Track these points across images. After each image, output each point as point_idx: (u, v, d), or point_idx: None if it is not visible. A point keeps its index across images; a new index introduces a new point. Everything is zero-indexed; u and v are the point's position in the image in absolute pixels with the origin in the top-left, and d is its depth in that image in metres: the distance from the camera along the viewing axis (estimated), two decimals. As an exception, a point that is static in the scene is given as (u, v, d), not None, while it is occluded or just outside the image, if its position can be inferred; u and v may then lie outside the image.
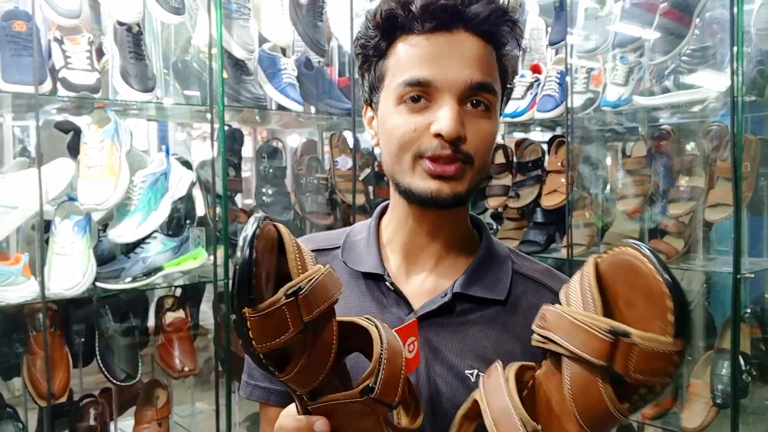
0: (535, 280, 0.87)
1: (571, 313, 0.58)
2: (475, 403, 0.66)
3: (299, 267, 0.62)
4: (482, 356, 0.80)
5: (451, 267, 0.87)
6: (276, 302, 0.58)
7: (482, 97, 0.79)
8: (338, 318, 0.67)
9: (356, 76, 2.22)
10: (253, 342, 0.59)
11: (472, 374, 0.80)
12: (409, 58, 0.79)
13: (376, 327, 0.66)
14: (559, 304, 0.63)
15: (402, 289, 0.85)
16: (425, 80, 0.77)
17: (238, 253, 0.58)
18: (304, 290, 0.59)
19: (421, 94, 0.78)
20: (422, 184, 0.79)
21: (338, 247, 0.92)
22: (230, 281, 0.59)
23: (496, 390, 0.63)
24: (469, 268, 0.85)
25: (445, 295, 0.83)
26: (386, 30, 0.81)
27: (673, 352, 0.53)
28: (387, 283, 0.85)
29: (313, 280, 0.61)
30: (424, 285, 0.86)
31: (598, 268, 0.60)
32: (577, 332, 0.56)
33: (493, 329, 0.83)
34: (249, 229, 0.60)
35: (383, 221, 0.92)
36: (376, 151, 2.46)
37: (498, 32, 0.80)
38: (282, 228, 0.65)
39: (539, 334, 0.62)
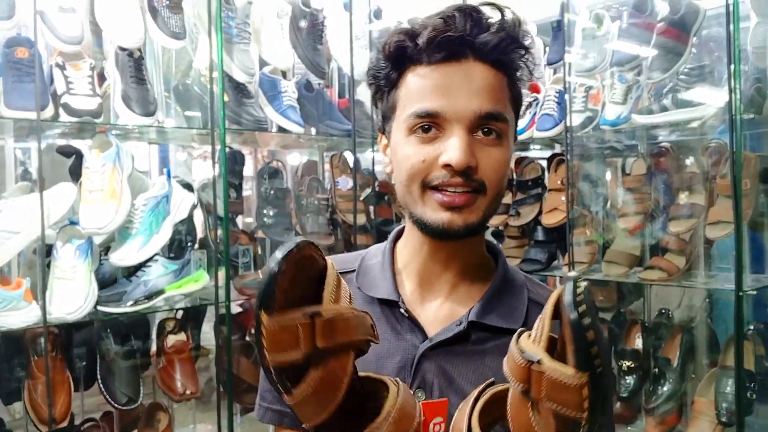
0: None
1: (518, 340, 0.61)
2: None
3: (332, 299, 0.63)
4: None
5: (467, 294, 0.86)
6: (292, 315, 0.58)
7: (493, 125, 0.79)
8: (370, 374, 0.68)
9: (356, 97, 2.26)
10: (265, 352, 0.59)
11: None
12: (419, 89, 0.80)
13: (398, 387, 0.67)
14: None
15: (417, 315, 0.85)
16: (434, 112, 0.78)
17: (272, 262, 0.58)
18: (324, 316, 0.59)
19: (430, 124, 0.79)
20: (434, 215, 0.79)
21: (353, 271, 0.92)
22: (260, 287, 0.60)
23: (464, 404, 0.68)
24: (484, 297, 0.85)
25: (460, 324, 0.82)
26: (396, 61, 0.82)
27: (578, 385, 0.53)
28: (401, 310, 0.85)
29: (337, 312, 0.61)
30: (440, 312, 0.85)
31: (560, 299, 0.61)
32: (511, 356, 0.60)
33: (508, 359, 0.82)
34: (293, 242, 0.60)
35: (398, 245, 0.92)
36: (378, 168, 2.47)
37: (509, 60, 0.81)
38: (329, 262, 0.65)
39: None
